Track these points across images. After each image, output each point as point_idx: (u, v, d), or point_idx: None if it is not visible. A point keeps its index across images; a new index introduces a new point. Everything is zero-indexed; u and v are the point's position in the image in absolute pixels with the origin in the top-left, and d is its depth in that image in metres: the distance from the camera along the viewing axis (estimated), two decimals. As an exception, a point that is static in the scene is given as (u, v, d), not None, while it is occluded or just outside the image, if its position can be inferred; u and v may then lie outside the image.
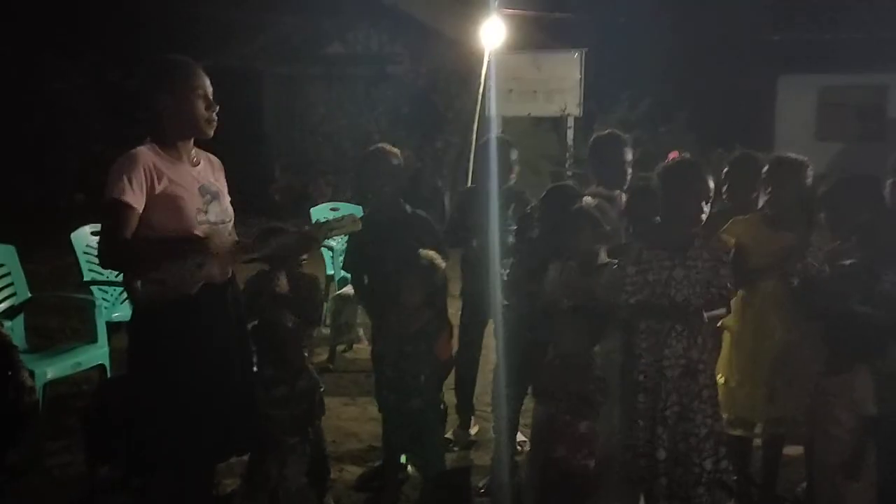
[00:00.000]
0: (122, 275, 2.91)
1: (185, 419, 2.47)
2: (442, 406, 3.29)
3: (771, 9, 14.30)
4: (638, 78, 11.81)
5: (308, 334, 3.23)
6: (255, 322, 2.97)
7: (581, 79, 10.82)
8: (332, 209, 6.31)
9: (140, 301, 2.49)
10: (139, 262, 2.43)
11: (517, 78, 10.88)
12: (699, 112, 12.35)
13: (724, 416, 3.16)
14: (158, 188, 2.41)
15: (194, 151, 2.61)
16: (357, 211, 6.46)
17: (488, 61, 7.95)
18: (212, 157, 2.71)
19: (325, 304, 5.58)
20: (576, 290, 2.90)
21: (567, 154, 11.34)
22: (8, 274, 4.04)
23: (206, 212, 2.50)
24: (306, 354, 3.19)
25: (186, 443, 2.49)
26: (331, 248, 5.67)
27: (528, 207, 3.66)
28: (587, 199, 3.03)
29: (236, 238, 2.78)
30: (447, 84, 11.55)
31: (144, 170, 2.38)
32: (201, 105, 2.50)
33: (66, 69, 11.43)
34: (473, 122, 7.89)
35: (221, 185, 2.67)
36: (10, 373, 3.12)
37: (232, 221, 2.66)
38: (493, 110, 9.46)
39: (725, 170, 3.53)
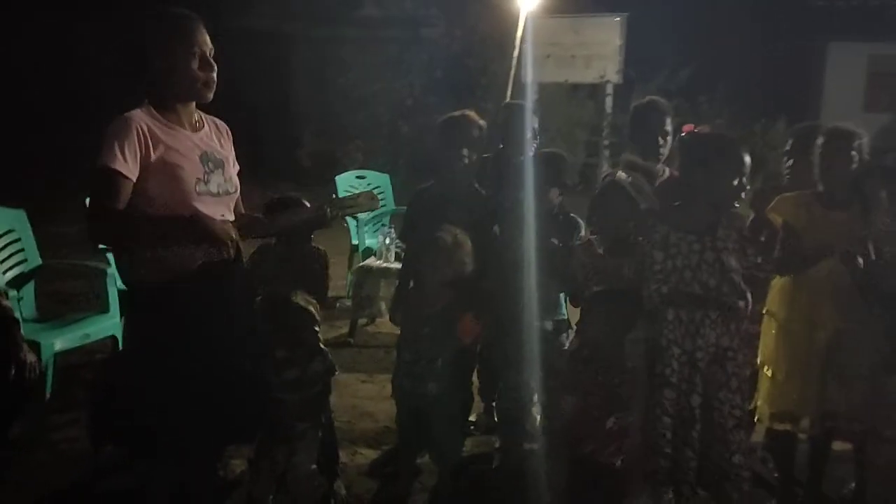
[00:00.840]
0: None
1: (186, 404, 2.30)
2: (466, 394, 3.08)
3: (820, -28, 13.70)
4: (679, 45, 11.36)
5: (321, 314, 3.03)
6: (264, 300, 2.78)
7: (621, 45, 10.48)
8: (359, 177, 6.11)
9: (133, 279, 2.30)
10: (131, 237, 2.22)
11: (555, 43, 10.60)
12: (741, 81, 11.87)
13: (769, 409, 2.93)
14: (154, 155, 2.20)
15: (197, 115, 2.40)
16: (384, 180, 6.29)
17: (524, 24, 7.61)
18: (218, 121, 2.50)
19: (348, 277, 5.42)
20: (604, 273, 2.66)
21: (604, 122, 11.01)
22: (18, 240, 3.90)
23: (206, 182, 2.29)
24: (319, 335, 2.98)
25: (188, 428, 2.32)
26: (355, 217, 5.46)
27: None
28: (620, 173, 2.76)
29: (242, 210, 2.59)
30: (482, 48, 11.25)
31: (138, 135, 2.17)
32: (195, 64, 2.26)
33: (96, 30, 11.32)
34: (507, 87, 7.55)
35: (227, 153, 2.45)
36: (9, 348, 2.98)
37: (238, 192, 2.46)
38: (528, 76, 9.16)
39: (789, 143, 3.24)
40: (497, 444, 3.38)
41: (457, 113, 3.27)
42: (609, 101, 10.79)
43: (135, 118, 2.20)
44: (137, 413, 2.35)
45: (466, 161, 3.17)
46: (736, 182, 2.52)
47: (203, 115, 2.43)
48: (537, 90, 10.49)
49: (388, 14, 12.84)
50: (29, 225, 3.98)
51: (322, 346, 2.91)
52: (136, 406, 2.36)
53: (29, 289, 3.87)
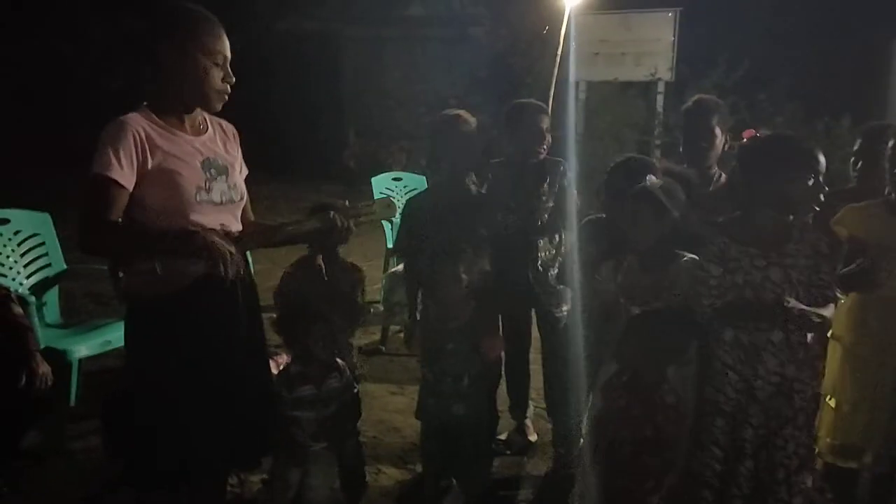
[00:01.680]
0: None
1: (186, 428, 2.15)
2: (492, 413, 2.88)
3: (888, -38, 12.99)
4: (735, 39, 10.92)
5: (342, 329, 2.86)
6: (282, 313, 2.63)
7: (674, 40, 10.13)
8: (395, 179, 5.93)
9: (129, 293, 2.15)
10: (124, 250, 2.07)
11: (604, 40, 10.32)
12: (803, 77, 11.33)
13: (832, 443, 2.64)
14: (151, 162, 2.04)
15: (201, 117, 2.24)
16: (421, 182, 6.10)
17: (569, 20, 7.33)
18: (224, 123, 2.34)
19: (382, 281, 5.24)
20: (638, 292, 2.40)
21: (656, 122, 10.64)
22: (42, 244, 3.82)
23: (208, 189, 2.12)
24: (338, 349, 2.80)
25: (188, 453, 2.17)
26: (389, 221, 5.29)
27: (566, 180, 3.21)
28: (651, 178, 2.50)
29: (251, 217, 2.42)
30: (528, 46, 10.99)
31: (135, 141, 2.02)
32: (217, 74, 2.11)
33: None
34: (550, 86, 7.28)
35: (233, 158, 2.29)
36: (22, 358, 2.88)
37: (244, 199, 2.29)
38: (572, 74, 8.88)
39: (858, 143, 2.95)
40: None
41: (446, 112, 3.08)
42: (660, 100, 10.42)
43: (131, 122, 2.05)
44: (136, 437, 2.21)
45: (459, 163, 2.98)
46: (811, 182, 2.23)
47: (207, 116, 2.26)
48: (585, 89, 10.21)
49: (433, 13, 12.68)
50: (53, 229, 3.90)
51: (340, 361, 2.72)
52: (136, 426, 2.22)
53: (53, 294, 3.79)
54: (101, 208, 1.98)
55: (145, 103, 2.13)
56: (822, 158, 2.25)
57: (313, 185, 10.89)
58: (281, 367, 2.71)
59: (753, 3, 10.97)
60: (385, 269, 5.36)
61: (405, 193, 5.76)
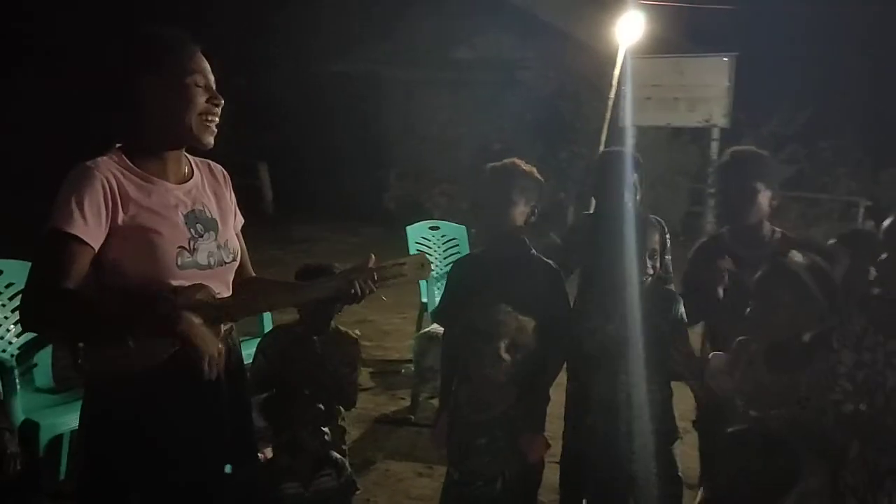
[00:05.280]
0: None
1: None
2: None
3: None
4: (796, 85, 10.43)
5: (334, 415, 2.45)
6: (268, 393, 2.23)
7: (730, 86, 9.76)
8: (432, 227, 5.53)
9: (87, 370, 1.78)
10: (69, 328, 1.70)
11: (657, 84, 10.01)
12: (869, 125, 10.74)
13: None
14: (123, 217, 1.70)
15: (186, 161, 1.89)
16: (460, 232, 5.72)
17: (623, 62, 6.97)
18: (213, 165, 1.98)
19: (413, 340, 4.83)
20: (762, 395, 1.95)
21: (710, 169, 10.19)
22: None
23: (193, 250, 1.77)
24: (329, 437, 2.36)
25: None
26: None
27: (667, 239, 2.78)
28: (794, 253, 2.06)
29: (252, 273, 2.05)
30: (576, 90, 10.68)
31: (104, 190, 1.68)
32: (200, 98, 1.77)
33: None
34: (602, 131, 6.89)
35: (225, 209, 1.93)
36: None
37: (237, 260, 1.91)
38: (627, 118, 8.50)
39: None
40: None
41: (506, 160, 2.65)
42: (715, 147, 10.00)
43: (100, 168, 1.71)
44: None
45: (520, 217, 2.55)
46: None
47: (192, 159, 1.92)
48: (635, 134, 9.87)
49: (481, 56, 12.51)
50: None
51: (336, 454, 2.31)
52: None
53: (45, 355, 3.39)
54: (56, 271, 1.62)
55: (119, 145, 1.79)
56: None
57: (352, 228, 10.66)
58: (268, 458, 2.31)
59: (817, 47, 10.47)
60: (419, 327, 4.95)
61: (443, 244, 5.39)
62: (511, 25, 12.13)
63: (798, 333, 2.00)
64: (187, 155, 1.91)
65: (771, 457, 1.80)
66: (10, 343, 3.27)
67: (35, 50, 10.36)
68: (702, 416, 2.49)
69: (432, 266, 5.12)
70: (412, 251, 5.23)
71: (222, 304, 1.77)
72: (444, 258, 5.26)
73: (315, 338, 2.50)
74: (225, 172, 2.01)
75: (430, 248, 5.32)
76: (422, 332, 4.41)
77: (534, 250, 2.64)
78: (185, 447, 1.77)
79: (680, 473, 2.56)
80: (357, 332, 2.78)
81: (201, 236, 1.80)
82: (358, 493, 2.34)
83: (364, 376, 4.85)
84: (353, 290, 1.85)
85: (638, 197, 2.96)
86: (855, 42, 10.83)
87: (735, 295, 2.57)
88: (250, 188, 11.60)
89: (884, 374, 1.82)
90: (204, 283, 1.75)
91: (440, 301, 2.90)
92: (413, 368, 4.40)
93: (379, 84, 12.88)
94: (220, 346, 1.67)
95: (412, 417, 4.27)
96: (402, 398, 4.45)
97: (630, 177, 2.92)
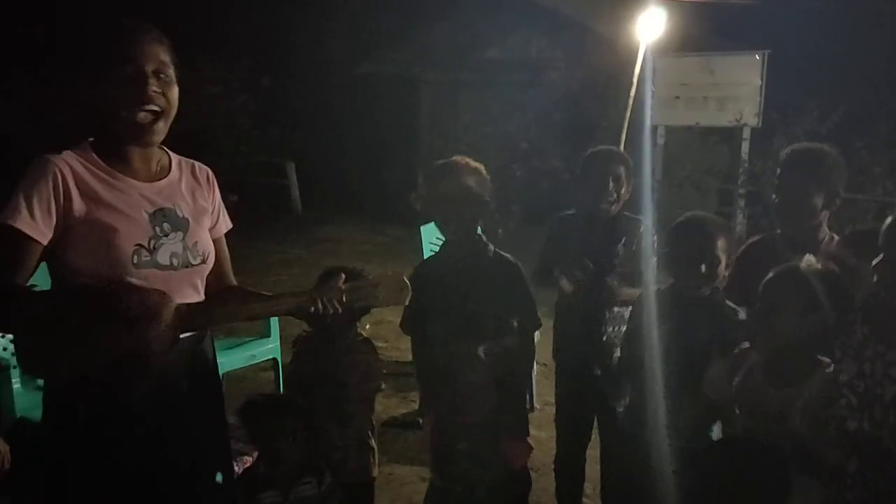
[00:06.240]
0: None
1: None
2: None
3: None
4: (830, 84, 10.18)
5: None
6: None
7: (761, 84, 9.58)
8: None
9: (34, 370, 1.76)
10: (22, 322, 1.66)
11: (685, 83, 9.90)
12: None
13: None
14: (78, 212, 1.68)
15: (164, 159, 1.87)
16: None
17: (644, 60, 6.86)
18: (198, 166, 1.96)
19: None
20: (760, 404, 1.87)
21: (740, 170, 9.99)
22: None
23: (153, 249, 1.72)
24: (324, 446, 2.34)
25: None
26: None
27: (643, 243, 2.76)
28: (808, 259, 1.97)
29: (233, 282, 2.03)
30: (603, 89, 10.56)
31: (55, 183, 1.66)
32: (131, 90, 1.69)
33: (222, 74, 11.49)
34: (622, 130, 6.81)
35: (201, 210, 1.89)
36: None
37: (208, 262, 1.87)
38: (649, 117, 8.38)
39: None
40: None
41: (444, 160, 2.61)
42: (746, 147, 9.81)
43: (57, 161, 1.69)
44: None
45: (466, 218, 2.51)
46: None
47: (176, 157, 1.90)
48: (664, 134, 9.74)
49: (510, 57, 12.46)
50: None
51: (319, 462, 2.28)
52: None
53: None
54: None
55: (91, 139, 1.78)
56: None
57: (378, 229, 10.68)
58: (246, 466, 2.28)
59: (849, 45, 10.22)
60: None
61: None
62: (538, 25, 12.07)
63: (800, 342, 1.91)
64: (170, 153, 1.90)
65: (759, 472, 1.72)
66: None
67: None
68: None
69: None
70: (426, 252, 5.21)
71: (181, 310, 1.71)
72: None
73: (328, 346, 2.45)
74: (210, 174, 1.98)
75: (443, 249, 5.28)
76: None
77: (491, 246, 2.61)
78: (138, 454, 1.74)
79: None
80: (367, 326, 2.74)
81: (166, 235, 1.76)
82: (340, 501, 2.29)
83: (376, 378, 4.84)
84: (313, 310, 1.79)
85: (623, 193, 2.88)
86: (889, 38, 10.52)
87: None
88: (278, 188, 11.68)
89: (882, 385, 1.73)
90: (166, 284, 1.73)
91: (404, 310, 2.71)
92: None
93: (408, 85, 12.89)
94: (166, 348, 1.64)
95: (420, 420, 4.24)
96: (413, 401, 4.43)
97: (613, 176, 2.84)
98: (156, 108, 1.72)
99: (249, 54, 11.66)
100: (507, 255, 2.63)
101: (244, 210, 10.86)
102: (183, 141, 2.04)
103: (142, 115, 1.72)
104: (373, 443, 2.55)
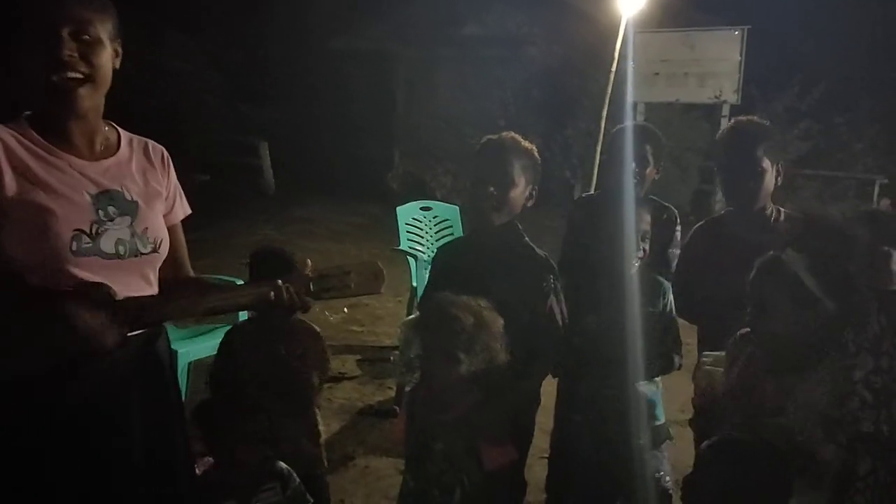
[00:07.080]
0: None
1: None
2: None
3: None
4: (810, 60, 10.09)
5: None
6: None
7: (741, 60, 9.46)
8: (423, 208, 5.32)
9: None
10: None
11: (665, 59, 9.74)
12: (885, 99, 10.38)
13: None
14: (9, 191, 1.48)
15: (112, 136, 1.67)
16: (453, 213, 5.49)
17: (625, 35, 6.69)
18: (152, 144, 1.75)
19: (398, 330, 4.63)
20: (750, 405, 1.74)
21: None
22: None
23: (95, 236, 1.53)
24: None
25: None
26: (414, 256, 4.69)
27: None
28: (790, 251, 1.82)
29: (190, 273, 1.84)
30: (583, 65, 10.38)
31: None
32: (41, 50, 1.50)
33: (189, 47, 11.13)
34: (603, 107, 6.64)
35: (152, 193, 1.69)
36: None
37: (161, 251, 1.67)
38: (630, 94, 8.22)
39: None
40: None
41: (495, 136, 2.37)
42: (725, 123, 9.72)
43: None
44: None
45: (497, 199, 2.27)
46: None
47: (127, 135, 1.70)
48: (644, 111, 9.60)
49: (489, 32, 12.20)
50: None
51: (283, 466, 2.11)
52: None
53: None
54: None
55: (27, 113, 1.58)
56: None
57: (354, 208, 10.45)
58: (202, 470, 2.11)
59: (832, 20, 10.12)
60: (409, 313, 4.75)
61: (435, 226, 5.17)
62: (519, 1, 11.84)
63: (800, 336, 1.78)
64: (119, 130, 1.70)
65: (754, 472, 1.59)
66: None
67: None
68: (697, 416, 2.29)
69: (422, 251, 4.95)
70: (402, 233, 5.03)
71: (127, 305, 1.54)
72: (437, 240, 5.06)
73: (268, 333, 2.31)
74: (165, 154, 1.78)
75: (421, 229, 5.12)
76: (409, 318, 4.21)
77: (527, 238, 2.40)
78: (72, 464, 1.55)
79: (663, 474, 2.38)
80: (332, 318, 2.60)
81: (111, 220, 1.56)
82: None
83: (351, 364, 4.67)
84: (277, 302, 1.61)
85: (651, 173, 2.75)
86: (871, 13, 10.45)
87: (733, 286, 2.33)
88: (250, 167, 11.38)
89: (892, 385, 1.60)
90: (110, 275, 1.54)
91: (424, 289, 2.67)
92: (399, 357, 4.20)
93: (385, 61, 12.62)
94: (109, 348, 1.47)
95: (397, 409, 4.08)
96: (390, 388, 4.27)
97: (636, 155, 2.70)
98: (75, 74, 1.53)
99: (218, 27, 11.32)
100: (543, 251, 2.38)
101: (215, 190, 10.59)
102: (148, 119, 1.85)
103: (56, 79, 1.52)
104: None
